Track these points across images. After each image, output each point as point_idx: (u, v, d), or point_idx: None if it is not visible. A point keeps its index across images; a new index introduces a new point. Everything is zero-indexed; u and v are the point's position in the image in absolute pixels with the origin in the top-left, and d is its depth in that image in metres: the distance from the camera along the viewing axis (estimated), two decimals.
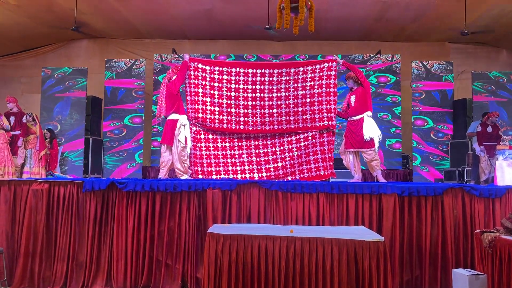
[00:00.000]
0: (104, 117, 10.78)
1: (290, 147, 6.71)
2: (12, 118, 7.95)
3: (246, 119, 6.75)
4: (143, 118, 10.67)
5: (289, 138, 6.75)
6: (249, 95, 6.76)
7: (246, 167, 6.70)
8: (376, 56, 11.26)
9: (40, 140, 8.44)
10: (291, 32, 5.22)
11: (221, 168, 6.66)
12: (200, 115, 6.63)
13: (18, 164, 7.84)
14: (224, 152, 6.72)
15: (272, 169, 6.65)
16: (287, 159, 6.66)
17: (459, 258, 5.06)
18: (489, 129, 8.41)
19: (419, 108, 10.41)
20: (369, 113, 6.54)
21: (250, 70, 6.77)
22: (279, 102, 6.75)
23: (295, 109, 6.71)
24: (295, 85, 6.72)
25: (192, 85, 6.64)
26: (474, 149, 8.59)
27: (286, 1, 5.12)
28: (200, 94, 6.66)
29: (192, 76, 6.65)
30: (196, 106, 6.63)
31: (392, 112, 11.08)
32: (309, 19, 5.25)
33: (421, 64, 10.54)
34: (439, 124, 10.36)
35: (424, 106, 10.39)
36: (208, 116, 6.66)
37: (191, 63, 6.67)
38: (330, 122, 6.58)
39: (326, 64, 6.64)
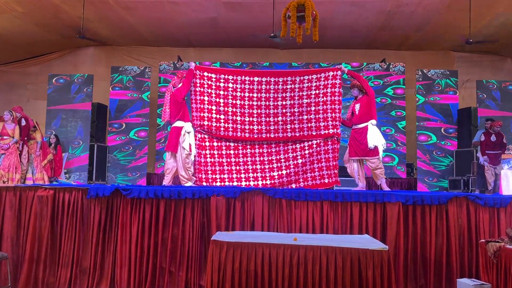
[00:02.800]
0: (108, 131, 10.87)
1: (294, 154, 6.71)
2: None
3: (251, 127, 6.77)
4: (148, 132, 10.72)
5: (294, 146, 6.76)
6: (254, 103, 6.78)
7: (250, 175, 6.71)
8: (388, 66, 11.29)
9: (43, 146, 8.48)
10: (296, 40, 5.26)
11: (225, 176, 6.68)
12: (206, 122, 6.66)
13: (23, 169, 7.87)
14: (228, 160, 6.73)
15: (276, 177, 6.65)
16: (292, 166, 6.67)
17: (464, 267, 5.03)
18: (493, 138, 8.36)
19: (423, 124, 10.37)
20: (374, 121, 6.54)
21: (256, 78, 6.80)
22: (284, 110, 6.77)
23: (300, 117, 6.73)
24: (300, 93, 6.74)
25: (198, 93, 6.68)
26: (478, 158, 8.54)
27: (292, 10, 5.16)
28: (206, 102, 6.69)
29: (198, 84, 6.68)
30: (202, 114, 6.66)
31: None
32: (314, 29, 5.30)
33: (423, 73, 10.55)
34: (442, 140, 10.32)
35: (429, 122, 10.35)
36: (214, 124, 6.69)
37: (197, 71, 6.71)
38: (334, 130, 6.58)
39: (331, 73, 6.66)
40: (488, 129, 8.47)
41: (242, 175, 6.71)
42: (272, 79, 6.80)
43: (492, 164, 8.14)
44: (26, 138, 7.92)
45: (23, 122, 7.75)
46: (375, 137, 6.45)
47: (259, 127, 6.77)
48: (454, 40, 11.03)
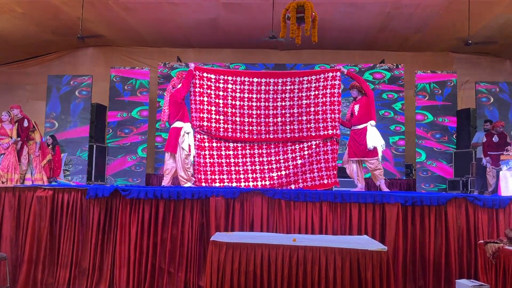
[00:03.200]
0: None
1: (293, 155, 6.72)
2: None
3: (250, 127, 6.77)
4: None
5: (293, 147, 6.76)
6: (254, 104, 6.79)
7: (250, 175, 6.71)
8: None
9: (42, 147, 8.46)
10: (295, 41, 5.27)
11: (225, 176, 6.68)
12: (205, 123, 6.66)
13: (23, 169, 7.85)
14: (228, 160, 6.74)
15: (275, 178, 6.66)
16: (291, 167, 6.67)
17: (463, 268, 5.03)
18: (495, 138, 8.27)
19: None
20: (373, 122, 6.54)
21: (255, 79, 6.80)
22: (283, 111, 6.77)
23: (299, 118, 6.73)
24: (300, 94, 6.75)
25: (197, 94, 6.68)
26: (477, 159, 8.52)
27: (292, 11, 5.16)
28: (205, 103, 6.69)
29: (198, 85, 6.69)
30: (201, 115, 6.66)
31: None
32: (313, 30, 5.30)
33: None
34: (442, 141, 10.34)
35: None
36: (213, 124, 6.69)
37: (197, 71, 6.71)
38: (334, 131, 6.58)
39: (330, 74, 6.66)
40: (491, 130, 8.41)
41: (242, 176, 6.71)
42: (272, 80, 6.80)
43: (495, 165, 8.06)
44: (25, 139, 7.90)
45: (25, 123, 7.73)
46: (374, 138, 6.46)
47: (259, 127, 6.78)
48: (453, 41, 11.04)
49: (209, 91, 6.71)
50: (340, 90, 6.66)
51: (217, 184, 6.58)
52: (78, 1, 9.02)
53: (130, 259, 5.07)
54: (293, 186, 6.62)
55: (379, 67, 11.31)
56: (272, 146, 6.81)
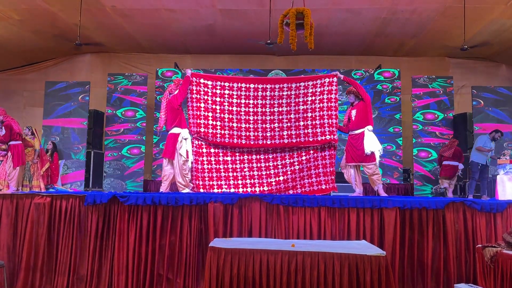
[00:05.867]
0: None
1: (291, 161, 6.73)
2: None
3: (247, 133, 6.78)
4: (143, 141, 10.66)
5: (291, 152, 6.77)
6: (251, 109, 6.80)
7: (248, 181, 6.72)
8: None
9: (41, 155, 8.42)
10: (291, 47, 5.29)
11: (223, 182, 6.68)
12: (202, 129, 6.67)
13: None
14: (225, 166, 6.74)
15: (273, 183, 6.66)
16: (289, 173, 6.68)
17: (461, 273, 5.04)
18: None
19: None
20: (370, 127, 6.57)
21: (252, 85, 6.82)
22: (280, 117, 6.79)
23: (296, 123, 6.75)
24: (296, 99, 6.77)
25: (194, 100, 6.69)
26: (474, 163, 8.49)
27: (291, 17, 5.18)
28: (202, 109, 6.70)
29: (194, 91, 6.70)
30: (198, 121, 6.67)
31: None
32: (309, 37, 5.33)
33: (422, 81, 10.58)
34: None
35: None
36: (210, 130, 6.70)
37: (193, 78, 6.73)
38: (331, 136, 6.60)
39: (327, 79, 6.69)
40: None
41: (239, 182, 6.71)
42: (268, 86, 6.82)
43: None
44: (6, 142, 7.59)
45: (16, 129, 7.53)
46: (371, 143, 6.48)
47: (256, 133, 6.79)
48: (449, 46, 11.11)
49: (205, 97, 6.73)
50: (337, 96, 6.69)
51: (215, 190, 6.59)
52: (75, 8, 9.03)
53: (129, 266, 5.06)
54: (291, 192, 6.62)
55: (375, 72, 11.36)
56: (270, 152, 6.82)
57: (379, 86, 11.27)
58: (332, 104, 6.64)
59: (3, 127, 7.39)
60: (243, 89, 6.82)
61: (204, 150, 6.72)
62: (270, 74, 11.43)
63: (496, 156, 8.34)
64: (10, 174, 7.35)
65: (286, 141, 6.76)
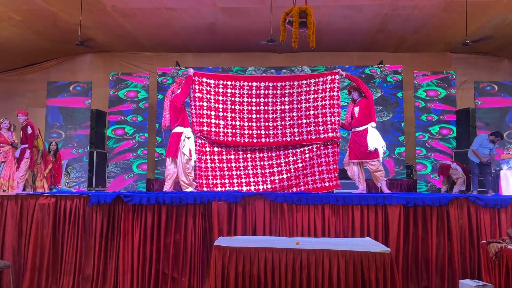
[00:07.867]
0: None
1: (294, 158, 6.73)
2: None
3: (250, 131, 6.78)
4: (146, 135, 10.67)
5: (294, 150, 6.77)
6: (253, 108, 6.80)
7: (251, 179, 6.72)
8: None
9: (44, 155, 8.43)
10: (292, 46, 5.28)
11: (226, 181, 6.68)
12: (205, 128, 6.67)
13: (19, 176, 7.73)
14: (229, 165, 6.74)
15: (277, 181, 6.66)
16: (292, 170, 6.68)
17: (466, 268, 5.04)
18: None
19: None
20: (373, 124, 6.56)
21: (254, 84, 6.82)
22: (283, 115, 6.79)
23: (299, 121, 6.75)
24: (299, 97, 6.76)
25: (196, 99, 6.69)
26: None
27: (295, 15, 5.16)
28: (205, 108, 6.70)
29: (197, 90, 6.70)
30: (201, 120, 6.67)
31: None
32: (312, 35, 5.31)
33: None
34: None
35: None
36: (213, 129, 6.70)
37: (196, 77, 6.73)
38: (334, 133, 6.60)
39: (329, 77, 6.68)
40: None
41: (243, 180, 6.72)
42: (271, 84, 6.82)
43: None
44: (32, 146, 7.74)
45: (29, 130, 7.63)
46: (375, 140, 6.47)
47: (259, 131, 6.79)
48: (451, 41, 11.08)
49: (208, 96, 6.73)
50: (339, 93, 6.69)
51: (219, 189, 6.59)
52: (76, 8, 9.03)
53: (134, 265, 5.08)
54: (294, 189, 6.62)
55: (377, 68, 11.34)
56: (273, 150, 6.82)
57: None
58: (334, 102, 6.63)
59: (28, 127, 7.51)
60: (246, 87, 6.82)
61: (208, 149, 6.72)
62: (279, 73, 11.43)
63: (494, 154, 8.34)
64: (24, 176, 7.41)
65: (289, 139, 6.76)
